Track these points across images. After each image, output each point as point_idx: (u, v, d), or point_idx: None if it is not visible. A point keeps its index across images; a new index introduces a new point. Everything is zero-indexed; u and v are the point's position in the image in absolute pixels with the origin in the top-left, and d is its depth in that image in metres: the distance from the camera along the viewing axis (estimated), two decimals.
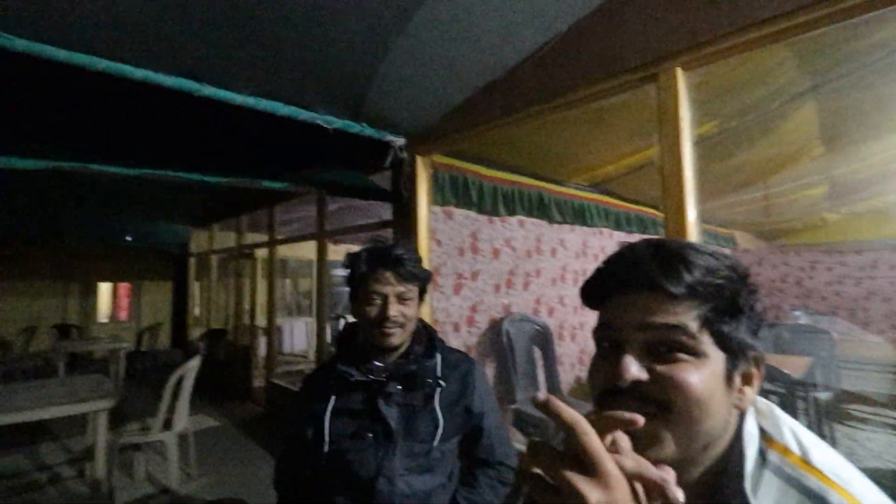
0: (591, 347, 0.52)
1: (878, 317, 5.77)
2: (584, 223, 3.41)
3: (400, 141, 2.43)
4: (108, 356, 5.40)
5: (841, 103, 2.26)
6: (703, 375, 0.45)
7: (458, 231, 3.07)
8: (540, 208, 3.00)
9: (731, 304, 0.47)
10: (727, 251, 5.60)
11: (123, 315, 9.10)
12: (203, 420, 4.18)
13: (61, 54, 1.51)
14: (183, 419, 2.93)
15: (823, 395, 3.18)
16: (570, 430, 0.36)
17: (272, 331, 4.77)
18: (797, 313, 5.21)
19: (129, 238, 6.83)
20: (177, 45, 1.61)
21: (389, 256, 1.04)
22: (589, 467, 0.35)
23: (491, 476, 1.10)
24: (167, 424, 2.85)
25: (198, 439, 3.24)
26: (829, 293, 6.23)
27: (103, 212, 5.61)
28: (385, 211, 2.98)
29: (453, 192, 2.44)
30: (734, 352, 0.47)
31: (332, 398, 1.06)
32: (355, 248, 1.13)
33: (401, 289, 1.05)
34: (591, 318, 0.52)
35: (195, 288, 7.12)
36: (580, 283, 0.54)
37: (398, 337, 1.05)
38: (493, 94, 1.98)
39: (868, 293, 5.90)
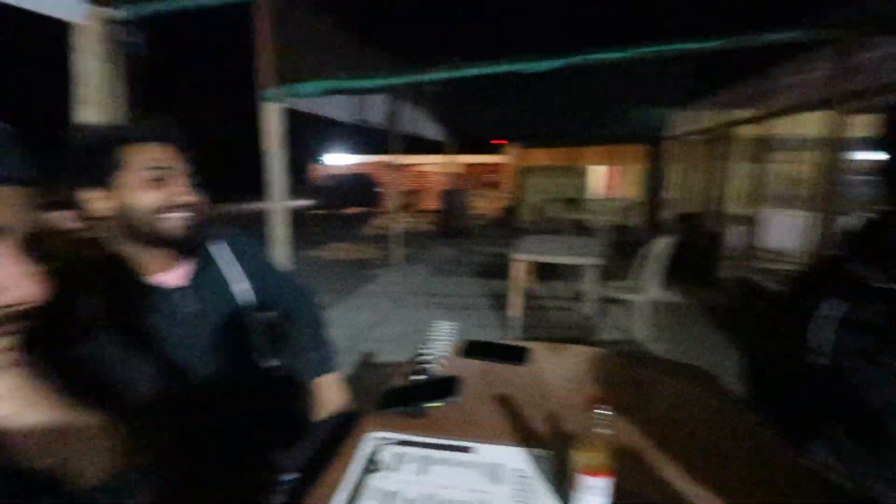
0: None
1: None
2: None
3: None
4: (598, 226, 6.59)
5: None
6: None
7: None
8: None
9: None
10: None
11: (610, 194, 10.76)
12: (670, 295, 4.48)
13: None
14: (653, 288, 3.23)
15: None
16: None
17: (749, 221, 4.24)
18: None
19: (612, 129, 7.72)
20: None
21: None
22: None
23: None
24: (638, 289, 3.25)
25: (665, 309, 3.54)
26: None
27: (592, 109, 6.50)
28: None
29: None
30: None
31: (839, 303, 0.82)
32: None
33: None
34: None
35: (669, 171, 7.24)
36: None
37: None
38: None
39: None
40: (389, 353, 3.16)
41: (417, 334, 3.59)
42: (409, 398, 0.95)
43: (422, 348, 1.19)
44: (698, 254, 5.09)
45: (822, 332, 0.83)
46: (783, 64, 3.71)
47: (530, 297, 4.32)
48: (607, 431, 0.64)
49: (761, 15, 1.92)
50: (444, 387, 0.98)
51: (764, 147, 4.33)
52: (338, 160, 20.36)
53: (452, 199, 8.69)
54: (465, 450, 0.82)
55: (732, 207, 4.83)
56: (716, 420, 0.98)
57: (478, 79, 2.45)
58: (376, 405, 0.94)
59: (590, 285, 3.46)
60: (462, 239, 8.44)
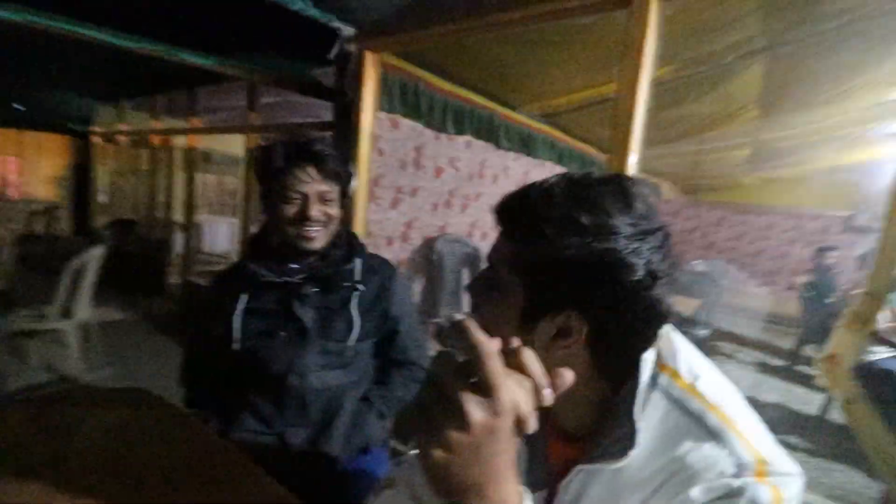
0: None
1: (762, 272, 6.61)
2: (529, 153, 3.41)
3: (349, 31, 2.16)
4: None
5: (786, 69, 2.34)
6: None
7: (402, 143, 2.92)
8: (489, 131, 2.93)
9: None
10: None
11: (14, 193, 7.97)
12: (109, 313, 3.94)
13: None
14: (84, 309, 2.72)
15: (702, 332, 3.71)
16: (473, 350, 0.35)
17: (191, 227, 4.45)
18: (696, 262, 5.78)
19: (18, 107, 5.83)
20: None
21: (310, 151, 0.95)
22: (484, 389, 0.34)
23: (404, 375, 1.13)
24: (66, 313, 2.64)
25: (103, 331, 3.06)
26: (726, 248, 6.96)
27: None
28: (326, 112, 2.74)
29: (402, 99, 2.27)
30: None
31: (244, 297, 1.01)
32: None
33: (323, 188, 0.98)
34: None
35: (100, 171, 6.34)
36: None
37: (319, 239, 1.00)
38: None
39: (758, 251, 6.69)
40: None
41: None
42: None
43: None
44: (142, 263, 4.79)
45: (235, 323, 0.99)
46: (217, 86, 4.07)
47: None
48: None
49: (182, 34, 2.02)
50: None
51: (202, 158, 4.65)
52: None
53: None
54: None
55: (176, 214, 4.88)
56: (155, 434, 0.94)
57: None
58: None
59: None
60: None
